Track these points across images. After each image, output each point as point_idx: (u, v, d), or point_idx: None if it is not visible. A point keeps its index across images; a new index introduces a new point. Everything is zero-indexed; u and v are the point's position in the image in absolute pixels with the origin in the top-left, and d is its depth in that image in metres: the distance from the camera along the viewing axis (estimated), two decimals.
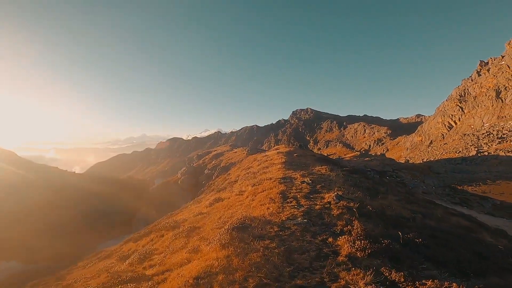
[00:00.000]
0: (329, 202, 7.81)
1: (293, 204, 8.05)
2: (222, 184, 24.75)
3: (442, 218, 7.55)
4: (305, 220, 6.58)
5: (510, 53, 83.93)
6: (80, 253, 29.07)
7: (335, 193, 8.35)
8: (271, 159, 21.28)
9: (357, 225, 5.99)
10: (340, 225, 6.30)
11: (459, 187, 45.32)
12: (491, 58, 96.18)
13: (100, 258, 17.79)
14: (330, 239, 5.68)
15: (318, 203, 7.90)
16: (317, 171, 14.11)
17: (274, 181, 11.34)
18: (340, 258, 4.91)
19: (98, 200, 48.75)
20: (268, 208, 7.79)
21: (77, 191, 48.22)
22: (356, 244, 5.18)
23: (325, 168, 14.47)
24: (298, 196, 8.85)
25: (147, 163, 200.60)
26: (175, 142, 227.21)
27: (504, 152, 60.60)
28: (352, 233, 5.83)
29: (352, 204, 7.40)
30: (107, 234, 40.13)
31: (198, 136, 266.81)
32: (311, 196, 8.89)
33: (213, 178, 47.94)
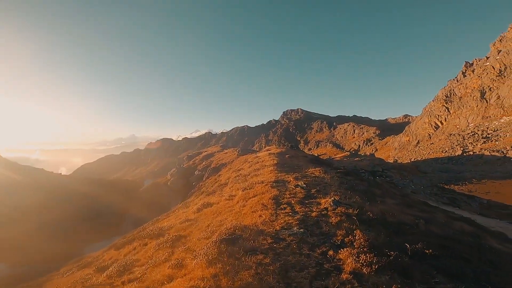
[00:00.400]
0: (326, 209, 7.22)
1: (287, 211, 7.40)
2: (212, 186, 23.90)
3: (445, 224, 7.12)
4: (301, 230, 5.95)
5: (494, 54, 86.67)
6: (68, 255, 28.53)
7: (332, 198, 7.79)
8: (262, 161, 20.63)
9: (359, 235, 5.41)
10: (340, 235, 5.70)
11: (446, 186, 46.15)
12: (476, 59, 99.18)
13: (80, 266, 16.82)
14: (331, 252, 5.07)
15: (315, 210, 7.29)
16: (310, 173, 13.55)
17: (266, 185, 10.68)
18: (344, 276, 4.30)
19: (86, 202, 47.75)
20: (260, 216, 7.12)
21: (64, 192, 47.20)
22: (360, 258, 4.59)
23: (319, 170, 13.93)
24: (293, 202, 8.21)
25: (137, 164, 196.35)
26: (165, 142, 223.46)
27: (489, 152, 62.34)
28: (355, 244, 5.23)
29: (351, 211, 6.85)
30: (96, 236, 39.16)
31: (189, 137, 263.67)
32: (306, 201, 8.27)
33: (204, 179, 47.05)
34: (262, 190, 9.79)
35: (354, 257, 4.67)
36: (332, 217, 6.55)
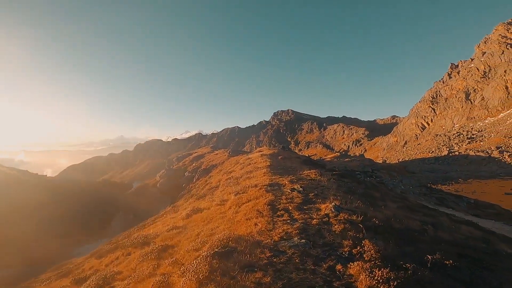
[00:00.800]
0: (327, 215, 6.63)
1: (285, 218, 6.74)
2: (202, 189, 22.98)
3: (453, 229, 6.69)
4: (302, 241, 5.31)
5: (479, 55, 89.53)
6: (53, 258, 28.10)
7: (332, 203, 7.20)
8: (255, 163, 19.93)
9: (368, 245, 4.82)
10: (347, 245, 5.09)
11: (433, 186, 46.94)
12: (461, 61, 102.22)
13: (59, 275, 15.69)
14: (339, 267, 4.44)
15: (315, 217, 6.67)
16: (306, 176, 12.97)
17: (260, 188, 9.98)
18: None
19: (72, 204, 46.49)
20: (256, 224, 6.42)
21: (49, 195, 45.72)
22: (375, 273, 3.99)
23: (314, 172, 13.39)
24: (290, 208, 7.55)
25: (125, 165, 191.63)
26: (154, 144, 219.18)
27: (474, 152, 64.09)
28: (365, 256, 4.64)
29: (354, 217, 6.28)
30: (83, 239, 38.35)
31: (179, 138, 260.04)
32: (305, 207, 7.63)
33: (194, 180, 46.02)
34: (256, 195, 9.10)
35: (367, 273, 4.07)
36: (335, 224, 5.96)
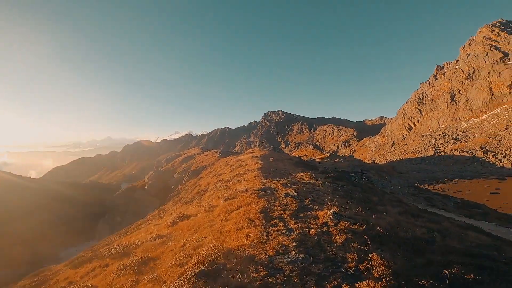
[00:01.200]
0: (326, 224, 6.01)
1: (280, 228, 6.06)
2: (191, 192, 21.99)
3: (462, 236, 6.24)
4: (301, 255, 4.64)
5: (463, 57, 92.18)
6: (40, 261, 27.85)
7: (331, 210, 6.59)
8: (245, 165, 19.18)
9: (376, 260, 4.21)
10: (352, 260, 4.47)
11: (421, 186, 47.66)
12: (446, 63, 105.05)
13: (34, 284, 14.54)
14: (346, 287, 3.80)
15: (313, 226, 6.03)
16: (299, 179, 12.33)
17: (251, 193, 9.26)
18: None
19: (57, 206, 45.66)
20: (247, 236, 5.71)
21: (34, 197, 44.46)
22: None
23: (308, 175, 12.79)
24: (285, 216, 6.87)
25: (112, 167, 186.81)
26: (142, 145, 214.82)
27: (459, 152, 65.71)
28: (374, 273, 4.03)
29: (356, 226, 5.68)
30: (70, 240, 37.93)
31: (168, 139, 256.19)
32: (301, 215, 6.96)
33: (183, 182, 44.99)
34: (247, 201, 8.38)
35: None
36: (336, 235, 5.34)
